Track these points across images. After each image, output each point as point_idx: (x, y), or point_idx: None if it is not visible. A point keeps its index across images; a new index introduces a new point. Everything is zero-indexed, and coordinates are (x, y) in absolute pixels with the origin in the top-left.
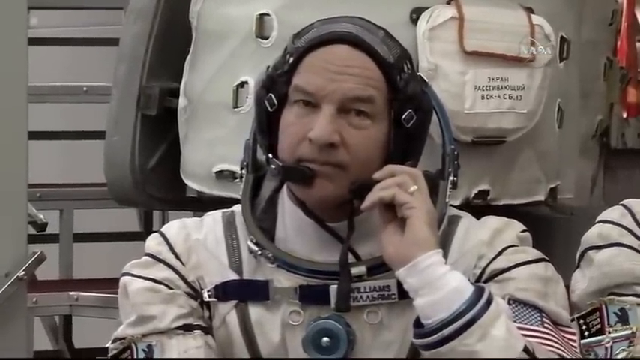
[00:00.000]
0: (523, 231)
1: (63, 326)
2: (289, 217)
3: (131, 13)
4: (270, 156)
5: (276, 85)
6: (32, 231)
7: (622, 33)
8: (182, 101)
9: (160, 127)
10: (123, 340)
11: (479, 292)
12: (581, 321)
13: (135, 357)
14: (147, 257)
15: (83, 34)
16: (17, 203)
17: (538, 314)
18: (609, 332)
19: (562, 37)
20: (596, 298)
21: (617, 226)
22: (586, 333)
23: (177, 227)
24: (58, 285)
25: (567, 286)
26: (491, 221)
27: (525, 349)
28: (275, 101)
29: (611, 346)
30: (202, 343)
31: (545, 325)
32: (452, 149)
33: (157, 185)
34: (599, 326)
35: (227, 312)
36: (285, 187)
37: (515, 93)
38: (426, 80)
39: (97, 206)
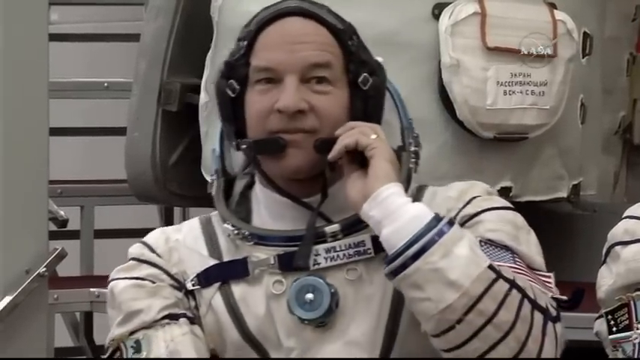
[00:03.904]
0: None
1: (84, 323)
2: (264, 204)
3: (152, 9)
4: (240, 140)
5: (235, 71)
6: (53, 227)
7: None
8: (203, 97)
9: (181, 123)
10: (112, 342)
11: (438, 217)
12: (610, 316)
13: (125, 356)
14: (130, 261)
15: (104, 29)
16: (38, 200)
17: (510, 254)
18: (637, 328)
19: (585, 33)
20: (623, 294)
21: None
22: (614, 329)
23: (157, 233)
24: (79, 281)
25: (592, 284)
26: (458, 183)
27: (491, 267)
28: (236, 85)
29: (639, 342)
30: (188, 330)
31: (517, 262)
32: (409, 122)
33: (178, 181)
34: (627, 322)
35: (211, 296)
36: (256, 179)
37: (538, 89)
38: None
39: (118, 202)
